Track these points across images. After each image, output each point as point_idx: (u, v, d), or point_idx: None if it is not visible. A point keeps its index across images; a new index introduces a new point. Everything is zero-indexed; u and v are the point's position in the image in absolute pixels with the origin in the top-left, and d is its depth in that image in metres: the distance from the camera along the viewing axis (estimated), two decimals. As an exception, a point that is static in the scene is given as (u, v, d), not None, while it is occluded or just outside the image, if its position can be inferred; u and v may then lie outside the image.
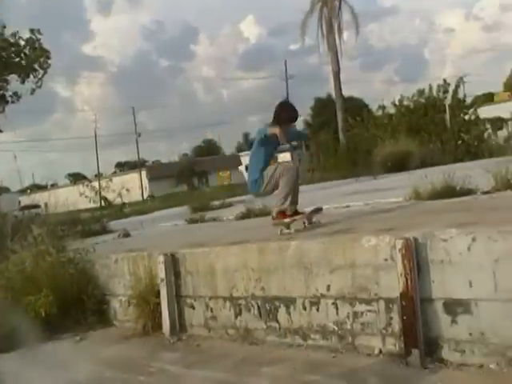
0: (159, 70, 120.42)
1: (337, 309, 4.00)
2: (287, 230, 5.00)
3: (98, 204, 12.84)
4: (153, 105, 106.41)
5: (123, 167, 77.40)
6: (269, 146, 5.25)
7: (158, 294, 5.15)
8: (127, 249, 6.12)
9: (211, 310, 4.89)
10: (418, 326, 3.51)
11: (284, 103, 5.69)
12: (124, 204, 13.36)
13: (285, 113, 5.25)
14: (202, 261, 4.97)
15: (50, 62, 13.06)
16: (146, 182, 54.80)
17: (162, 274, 5.14)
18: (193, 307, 5.05)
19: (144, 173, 56.51)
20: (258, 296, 4.52)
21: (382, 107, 20.69)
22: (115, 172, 74.29)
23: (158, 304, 5.14)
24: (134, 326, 5.27)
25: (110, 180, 13.50)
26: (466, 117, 18.24)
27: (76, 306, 5.70)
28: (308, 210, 5.29)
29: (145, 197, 46.00)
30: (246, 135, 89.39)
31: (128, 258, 5.70)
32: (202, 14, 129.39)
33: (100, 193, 12.71)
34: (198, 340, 4.86)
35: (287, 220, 5.00)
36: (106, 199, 12.77)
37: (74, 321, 5.68)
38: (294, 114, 5.36)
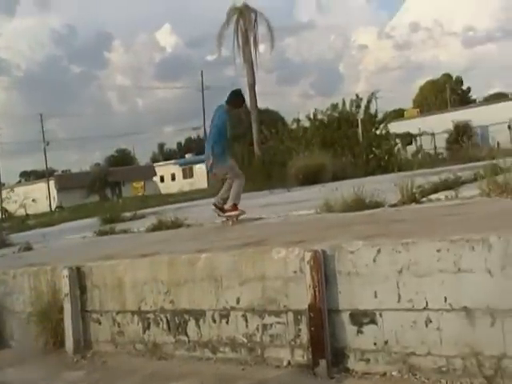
0: (71, 76, 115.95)
1: (246, 321, 3.97)
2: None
3: (-3, 215, 12.13)
4: (63, 112, 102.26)
5: (29, 177, 73.94)
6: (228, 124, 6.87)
7: (61, 310, 4.89)
8: (28, 263, 5.78)
9: (118, 325, 4.71)
10: (325, 337, 3.54)
11: (238, 92, 7.25)
12: (27, 215, 12.67)
13: (240, 99, 7.15)
14: (109, 274, 4.79)
15: None
16: (54, 192, 52.59)
17: (66, 288, 4.89)
18: (99, 322, 4.84)
19: (52, 182, 54.23)
20: (167, 309, 4.41)
21: (297, 120, 21.09)
22: (20, 181, 70.79)
23: (61, 320, 4.87)
24: (35, 345, 4.96)
25: (12, 190, 12.76)
26: (377, 132, 18.93)
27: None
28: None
29: (53, 208, 44.12)
30: (161, 145, 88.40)
31: (29, 272, 5.38)
32: (116, 21, 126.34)
33: (0, 203, 12.00)
34: (105, 357, 4.66)
35: (237, 212, 6.54)
36: (6, 210, 12.06)
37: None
38: (244, 101, 7.42)
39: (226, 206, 6.56)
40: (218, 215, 6.68)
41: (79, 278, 4.92)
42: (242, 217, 6.60)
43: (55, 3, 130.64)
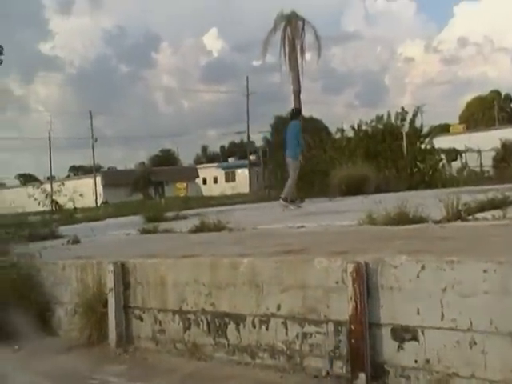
0: (119, 75, 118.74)
1: (286, 329, 4.00)
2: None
3: (49, 208, 12.49)
4: (111, 111, 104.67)
5: (77, 171, 75.89)
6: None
7: (105, 304, 5.03)
8: (76, 256, 5.97)
9: (160, 323, 4.81)
10: (365, 350, 3.54)
11: (297, 108, 13.07)
12: (75, 209, 13.02)
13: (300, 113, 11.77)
14: (152, 272, 4.90)
15: (2, 57, 12.71)
16: (100, 188, 53.81)
17: (110, 283, 5.03)
18: (141, 319, 4.95)
19: (99, 178, 55.49)
20: (207, 311, 4.48)
21: (341, 130, 20.96)
22: (69, 176, 72.76)
23: (105, 314, 5.01)
24: (79, 336, 5.12)
25: (63, 184, 13.14)
26: (422, 146, 18.65)
27: (17, 313, 5.49)
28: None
29: (99, 203, 45.13)
30: (204, 148, 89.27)
31: (76, 265, 5.55)
32: (165, 23, 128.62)
33: (51, 196, 12.37)
34: (145, 353, 4.76)
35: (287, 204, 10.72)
36: (56, 203, 12.42)
37: (13, 329, 5.45)
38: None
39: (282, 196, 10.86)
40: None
41: (123, 273, 5.05)
42: (284, 225, 6.80)
43: (107, 3, 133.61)
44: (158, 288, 4.81)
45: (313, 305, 3.87)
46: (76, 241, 7.87)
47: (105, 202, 43.50)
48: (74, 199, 12.30)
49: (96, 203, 44.46)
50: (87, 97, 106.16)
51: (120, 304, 5.01)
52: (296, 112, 12.29)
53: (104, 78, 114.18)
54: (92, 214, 15.47)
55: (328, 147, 20.37)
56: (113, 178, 56.16)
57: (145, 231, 8.25)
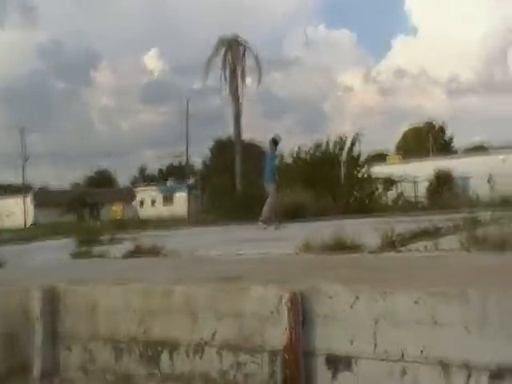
0: (55, 92, 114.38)
1: (221, 358, 3.93)
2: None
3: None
4: (45, 128, 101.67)
5: (6, 190, 72.85)
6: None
7: (30, 333, 4.78)
8: None
9: (90, 353, 4.61)
10: (299, 379, 3.52)
11: (277, 137, 13.38)
12: (0, 231, 12.44)
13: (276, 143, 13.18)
14: (83, 299, 4.72)
15: None
16: (31, 208, 51.88)
17: (37, 310, 4.79)
18: (69, 349, 4.74)
19: (29, 198, 53.53)
20: (140, 339, 4.35)
21: (280, 156, 21.23)
22: (-5, 194, 69.68)
23: (31, 344, 4.76)
24: (0, 368, 4.83)
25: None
26: (360, 174, 19.11)
27: None
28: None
29: (28, 224, 43.44)
30: (142, 169, 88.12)
31: (-1, 291, 5.27)
32: (104, 40, 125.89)
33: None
34: (73, 384, 4.55)
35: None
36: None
37: None
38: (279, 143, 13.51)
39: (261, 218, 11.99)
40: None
41: (52, 300, 4.83)
42: (220, 252, 6.83)
43: (44, 18, 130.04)
44: (89, 316, 4.63)
45: (248, 333, 3.83)
46: None
47: (34, 224, 41.88)
48: (0, 220, 11.73)
49: (25, 224, 42.77)
50: (19, 113, 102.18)
51: (47, 333, 4.77)
52: (273, 142, 13.30)
53: (38, 94, 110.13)
54: (20, 236, 14.83)
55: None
56: (44, 198, 54.21)
57: (77, 256, 7.97)
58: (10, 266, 7.48)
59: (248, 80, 31.97)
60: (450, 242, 5.52)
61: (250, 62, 31.59)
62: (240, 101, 30.71)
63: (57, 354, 4.78)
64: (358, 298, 3.46)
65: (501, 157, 35.17)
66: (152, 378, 4.25)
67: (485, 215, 6.52)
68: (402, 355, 3.25)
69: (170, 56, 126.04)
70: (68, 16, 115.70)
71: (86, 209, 49.33)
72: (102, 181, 73.13)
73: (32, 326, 4.78)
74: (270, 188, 12.77)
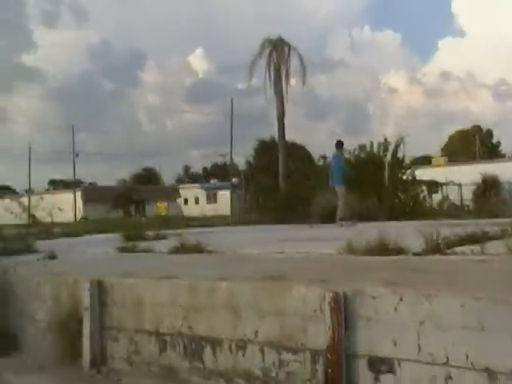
0: (103, 92, 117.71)
1: (263, 355, 3.97)
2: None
3: (26, 221, 12.29)
4: (94, 126, 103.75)
5: (57, 185, 75.10)
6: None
7: (80, 322, 4.95)
8: (51, 272, 5.87)
9: (135, 344, 4.74)
10: (341, 380, 3.53)
11: (339, 140, 14.03)
12: (53, 224, 12.84)
13: (341, 145, 14.09)
14: (129, 292, 4.85)
15: None
16: (80, 203, 53.25)
17: (86, 301, 4.96)
18: (116, 339, 4.88)
19: (79, 193, 54.97)
20: (184, 334, 4.44)
21: (324, 157, 21.16)
22: (48, 189, 71.92)
23: (80, 333, 4.93)
24: (52, 355, 5.02)
25: (41, 197, 12.96)
26: (404, 177, 18.81)
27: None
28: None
29: (78, 218, 44.61)
30: (186, 168, 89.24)
31: (51, 281, 5.47)
32: (151, 41, 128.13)
33: (29, 209, 12.19)
34: (119, 375, 4.68)
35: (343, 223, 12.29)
36: (34, 217, 12.24)
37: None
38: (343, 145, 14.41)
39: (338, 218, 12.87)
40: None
41: (100, 292, 4.99)
42: (264, 250, 6.90)
43: (94, 18, 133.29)
44: (135, 308, 4.76)
45: (290, 332, 3.86)
46: (52, 256, 7.74)
47: (84, 218, 43.00)
48: (53, 213, 12.13)
49: (75, 218, 43.95)
50: (70, 111, 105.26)
51: (95, 323, 4.94)
52: (339, 144, 14.00)
53: (87, 94, 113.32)
54: (70, 230, 15.27)
55: (310, 174, 20.49)
56: (93, 194, 55.69)
57: (123, 250, 8.17)
58: (61, 258, 7.74)
59: (292, 81, 31.88)
60: (497, 246, 5.40)
61: (294, 63, 31.49)
62: (284, 101, 30.62)
63: (104, 344, 4.94)
64: (401, 299, 3.44)
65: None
66: (195, 372, 4.33)
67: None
68: (447, 360, 3.21)
69: (215, 56, 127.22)
70: (116, 17, 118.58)
71: (132, 205, 50.30)
72: (148, 178, 74.36)
73: (81, 316, 4.95)
74: (338, 189, 13.38)
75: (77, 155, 53.33)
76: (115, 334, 4.89)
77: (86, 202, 53.64)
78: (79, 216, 46.80)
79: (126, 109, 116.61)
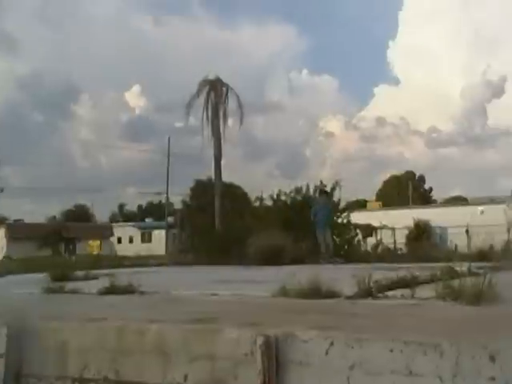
0: (33, 124, 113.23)
1: (191, 401, 3.84)
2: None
3: None
4: (22, 160, 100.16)
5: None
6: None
7: (-6, 371, 4.61)
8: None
9: (56, 393, 4.47)
10: (270, 428, 3.45)
11: (322, 189, 17.56)
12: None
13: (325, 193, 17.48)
14: (52, 336, 4.60)
15: None
16: (3, 241, 50.92)
17: (2, 348, 4.63)
18: (35, 387, 4.58)
19: (3, 231, 52.60)
20: (111, 380, 4.23)
21: (260, 199, 21.29)
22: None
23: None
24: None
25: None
26: (339, 220, 19.16)
27: None
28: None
29: (0, 257, 42.54)
30: (121, 206, 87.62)
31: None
32: (86, 74, 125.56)
33: None
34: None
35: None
36: None
37: None
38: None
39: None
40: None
41: (18, 337, 4.69)
42: (198, 291, 6.82)
43: (24, 48, 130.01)
44: (59, 354, 4.51)
45: (221, 376, 3.77)
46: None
47: (7, 257, 40.97)
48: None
49: (-3, 257, 41.91)
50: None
51: (11, 372, 4.61)
52: (325, 192, 17.47)
53: (15, 126, 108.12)
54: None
55: (246, 215, 20.56)
56: (19, 232, 53.28)
57: (49, 291, 7.80)
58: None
59: (230, 121, 32.11)
60: (426, 290, 5.54)
61: (232, 104, 31.81)
62: (221, 142, 30.77)
63: (22, 394, 4.62)
64: (332, 344, 3.43)
65: (480, 208, 35.77)
66: (120, 420, 4.12)
67: (462, 266, 6.56)
68: (376, 405, 3.21)
69: (152, 94, 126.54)
70: (49, 49, 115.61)
71: (61, 243, 48.60)
72: (80, 216, 72.32)
73: (-4, 363, 4.63)
74: (326, 233, 15.78)
75: (1, 190, 51.18)
76: (34, 383, 4.59)
77: (10, 239, 51.29)
78: (1, 255, 44.62)
79: (58, 143, 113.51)
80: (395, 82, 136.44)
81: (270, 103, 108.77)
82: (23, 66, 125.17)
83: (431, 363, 3.10)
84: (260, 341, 3.59)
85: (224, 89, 31.75)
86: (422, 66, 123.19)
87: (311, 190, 19.80)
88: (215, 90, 31.48)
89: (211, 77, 31.94)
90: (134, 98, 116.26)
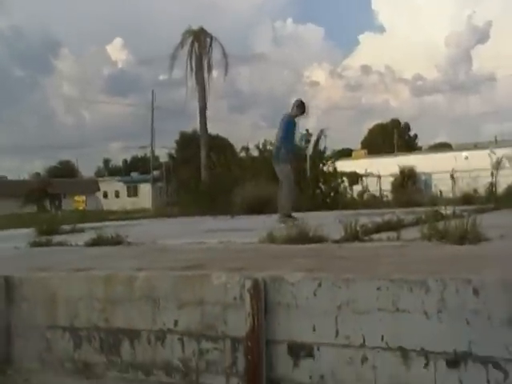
0: (13, 79, 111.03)
1: (183, 345, 3.89)
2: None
3: None
4: (2, 117, 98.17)
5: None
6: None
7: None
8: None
9: (47, 341, 4.50)
10: (261, 367, 3.52)
11: (302, 101, 9.51)
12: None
13: (304, 105, 9.48)
14: (41, 287, 4.60)
15: None
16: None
17: (-9, 300, 4.64)
18: (26, 338, 4.61)
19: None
20: (101, 327, 4.27)
21: (246, 149, 21.18)
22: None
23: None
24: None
25: None
26: (325, 168, 19.20)
27: None
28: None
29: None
30: (106, 161, 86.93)
31: None
32: (66, 28, 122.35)
33: None
34: (28, 374, 4.43)
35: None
36: None
37: None
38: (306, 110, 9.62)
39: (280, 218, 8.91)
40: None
41: (7, 289, 4.70)
42: (184, 241, 6.75)
43: (3, 3, 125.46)
44: (48, 304, 4.52)
45: (210, 321, 3.80)
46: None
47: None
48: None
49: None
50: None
51: (1, 323, 4.63)
52: (300, 106, 9.45)
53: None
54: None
55: (233, 165, 20.48)
56: (3, 188, 52.76)
57: (36, 244, 7.78)
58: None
59: (214, 73, 31.69)
60: (411, 233, 5.60)
61: (216, 54, 31.29)
62: (206, 93, 30.41)
63: (11, 345, 4.65)
64: (320, 285, 3.47)
65: (464, 154, 36.02)
66: (112, 366, 4.18)
67: (447, 209, 6.63)
68: (364, 342, 3.27)
69: (135, 47, 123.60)
70: (29, 2, 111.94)
71: (46, 200, 48.32)
72: (65, 172, 71.73)
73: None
74: (279, 170, 9.35)
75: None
76: (24, 333, 4.62)
77: (-8, 197, 50.82)
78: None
79: (40, 98, 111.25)
80: (380, 30, 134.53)
81: (254, 54, 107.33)
82: (2, 21, 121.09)
83: (417, 299, 3.15)
84: (248, 284, 3.62)
85: (208, 39, 31.19)
86: (407, 13, 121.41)
87: (297, 140, 19.68)
88: (199, 41, 30.89)
89: (195, 27, 31.27)
90: (116, 51, 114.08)
